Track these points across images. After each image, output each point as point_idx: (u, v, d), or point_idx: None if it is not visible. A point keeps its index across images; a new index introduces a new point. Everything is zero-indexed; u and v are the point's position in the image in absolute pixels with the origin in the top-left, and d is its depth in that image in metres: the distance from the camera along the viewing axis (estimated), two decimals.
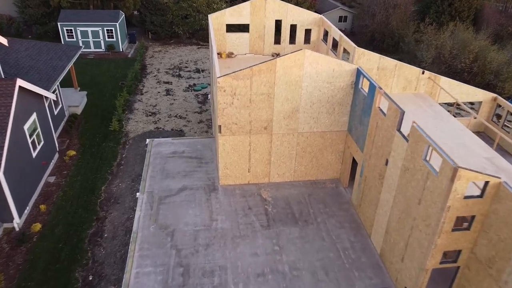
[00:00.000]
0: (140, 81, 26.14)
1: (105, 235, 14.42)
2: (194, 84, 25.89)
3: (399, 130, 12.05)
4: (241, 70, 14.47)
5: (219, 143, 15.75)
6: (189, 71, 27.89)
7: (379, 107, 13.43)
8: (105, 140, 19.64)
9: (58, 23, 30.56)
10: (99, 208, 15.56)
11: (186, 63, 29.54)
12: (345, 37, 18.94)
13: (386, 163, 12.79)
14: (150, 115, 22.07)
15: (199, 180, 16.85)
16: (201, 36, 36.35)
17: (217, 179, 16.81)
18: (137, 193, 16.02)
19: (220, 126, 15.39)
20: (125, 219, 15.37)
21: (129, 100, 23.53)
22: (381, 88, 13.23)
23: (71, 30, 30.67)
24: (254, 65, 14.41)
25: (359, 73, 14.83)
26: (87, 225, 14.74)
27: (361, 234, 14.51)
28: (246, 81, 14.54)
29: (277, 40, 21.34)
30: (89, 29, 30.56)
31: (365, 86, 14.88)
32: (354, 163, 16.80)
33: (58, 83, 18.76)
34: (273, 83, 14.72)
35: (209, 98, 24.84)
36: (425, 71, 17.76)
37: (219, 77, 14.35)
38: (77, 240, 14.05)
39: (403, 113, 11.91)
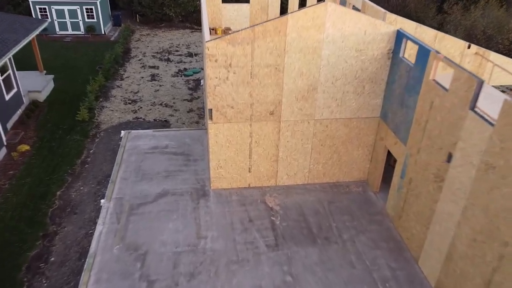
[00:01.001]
0: (121, 66, 22.25)
1: (52, 259, 10.56)
2: (185, 69, 22.00)
3: (473, 109, 8.12)
4: (238, 31, 10.54)
5: (210, 134, 11.82)
6: (180, 55, 24.01)
7: (434, 80, 9.49)
8: (70, 133, 15.75)
9: (30, 1, 26.70)
10: (49, 220, 11.72)
11: (177, 46, 25.62)
12: (369, 2, 15.03)
13: (449, 160, 8.85)
14: (129, 103, 18.17)
15: (185, 183, 12.93)
16: (195, 20, 32.47)
17: (208, 181, 12.89)
18: (102, 200, 12.11)
19: (210, 111, 11.46)
20: (82, 235, 11.53)
21: (106, 86, 19.63)
22: (438, 52, 9.29)
23: (45, 9, 26.80)
24: (257, 25, 10.48)
25: (400, 37, 10.88)
26: (29, 245, 10.90)
27: (404, 258, 10.57)
28: (245, 48, 10.60)
29: (284, 12, 17.44)
30: (66, 8, 26.67)
31: (409, 54, 10.93)
32: (388, 160, 12.86)
33: (6, 60, 14.89)
34: (283, 51, 10.79)
35: (201, 84, 21.02)
36: (472, 44, 13.81)
37: (208, 41, 10.42)
38: (11, 266, 10.21)
39: (481, 83, 7.96)
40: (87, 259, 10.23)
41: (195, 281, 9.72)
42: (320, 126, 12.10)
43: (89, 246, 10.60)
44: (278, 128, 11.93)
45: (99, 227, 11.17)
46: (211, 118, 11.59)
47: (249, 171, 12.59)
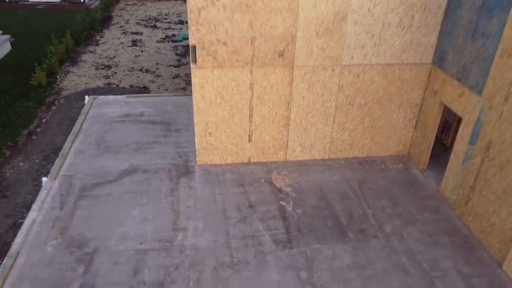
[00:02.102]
0: (99, 32, 18.85)
1: None
2: (173, 35, 18.60)
3: None
4: None
5: (194, 84, 8.40)
6: (169, 22, 20.63)
7: None
8: (21, 99, 12.34)
9: None
10: None
11: (166, 15, 22.22)
12: None
13: None
14: (102, 68, 14.77)
15: (162, 158, 9.52)
16: None
17: (193, 155, 9.48)
18: (44, 179, 8.70)
19: (194, 49, 8.06)
20: (9, 226, 8.16)
21: (76, 51, 16.25)
22: None
23: None
24: None
25: None
26: None
27: (479, 260, 7.13)
28: None
29: None
30: None
31: None
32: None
33: None
34: None
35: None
36: None
37: None
38: None
39: None
40: (4, 261, 6.80)
41: None
42: (349, 75, 8.68)
43: (13, 241, 7.19)
44: (290, 77, 8.51)
45: (32, 215, 7.74)
46: (194, 60, 8.18)
47: (249, 140, 9.16)
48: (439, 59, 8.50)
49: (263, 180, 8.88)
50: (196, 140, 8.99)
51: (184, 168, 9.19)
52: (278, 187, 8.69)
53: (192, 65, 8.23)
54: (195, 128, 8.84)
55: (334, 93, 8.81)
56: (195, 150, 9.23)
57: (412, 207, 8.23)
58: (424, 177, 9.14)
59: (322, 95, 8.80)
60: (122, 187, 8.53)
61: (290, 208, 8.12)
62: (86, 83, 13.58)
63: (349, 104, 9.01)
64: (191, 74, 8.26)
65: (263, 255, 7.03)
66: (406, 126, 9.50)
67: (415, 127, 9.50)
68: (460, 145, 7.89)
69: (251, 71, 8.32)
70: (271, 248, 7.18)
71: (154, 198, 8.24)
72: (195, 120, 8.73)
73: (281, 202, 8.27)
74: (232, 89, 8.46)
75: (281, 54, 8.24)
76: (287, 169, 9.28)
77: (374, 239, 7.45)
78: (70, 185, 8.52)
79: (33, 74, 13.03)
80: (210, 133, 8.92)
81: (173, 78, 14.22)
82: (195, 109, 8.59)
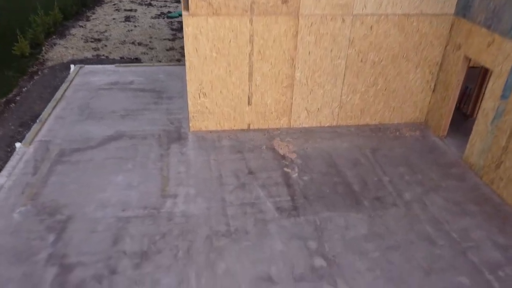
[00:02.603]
0: (90, 8, 17.88)
1: None
2: (169, 12, 17.63)
3: None
4: None
5: (186, 35, 7.41)
6: (165, 0, 19.63)
7: None
8: (1, 69, 11.35)
9: None
10: None
11: None
12: None
13: None
14: (91, 41, 13.78)
15: (152, 124, 8.54)
16: None
17: (187, 122, 8.50)
18: (17, 144, 7.72)
19: None
20: None
21: (65, 25, 15.28)
22: None
23: None
24: None
25: None
26: None
27: None
28: None
29: None
30: None
31: None
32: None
33: None
34: None
35: None
36: None
37: None
38: None
39: None
40: None
41: (148, 266, 5.31)
42: (361, 27, 7.69)
43: None
44: (295, 28, 7.53)
45: (0, 180, 6.77)
46: (187, 6, 7.19)
47: (248, 103, 8.18)
48: (463, 8, 7.51)
49: (264, 147, 7.90)
50: (189, 102, 8.01)
51: (176, 135, 8.21)
52: (281, 154, 7.71)
53: (184, 13, 7.25)
54: (187, 88, 7.86)
55: (344, 48, 7.83)
56: (188, 117, 8.25)
57: (434, 175, 7.25)
58: (444, 144, 8.16)
59: (331, 50, 7.82)
60: (106, 152, 7.55)
61: (295, 175, 7.13)
62: (73, 55, 12.60)
63: (361, 61, 8.02)
64: (183, 23, 7.28)
65: (264, 224, 6.05)
66: (424, 89, 8.51)
67: (434, 90, 8.52)
68: (489, 102, 6.91)
69: (250, 20, 7.34)
70: (274, 216, 6.20)
71: (141, 164, 7.26)
72: (188, 78, 7.75)
73: (285, 169, 7.28)
74: (230, 41, 7.48)
75: (284, 1, 7.26)
76: (291, 136, 8.30)
77: (393, 207, 6.46)
78: (46, 150, 7.54)
79: (15, 44, 12.06)
80: (205, 93, 7.93)
81: (167, 50, 13.24)
82: (187, 64, 7.60)
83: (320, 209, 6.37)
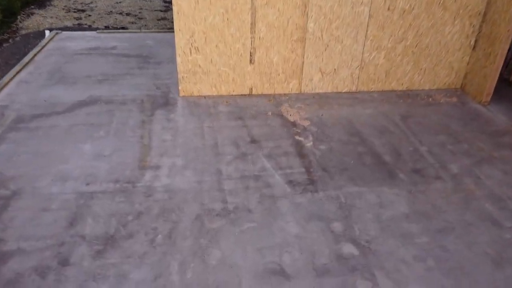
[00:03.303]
0: None
1: None
2: None
3: None
4: None
5: None
6: None
7: None
8: None
9: None
10: None
11: None
12: None
13: None
14: (74, 12, 12.32)
15: (134, 89, 7.10)
16: None
17: (176, 86, 7.05)
18: None
19: None
20: None
21: None
22: None
23: None
24: None
25: None
26: None
27: None
28: None
29: None
30: None
31: None
32: None
33: None
34: None
35: None
36: None
37: None
38: None
39: None
40: None
41: (114, 254, 3.87)
42: None
43: None
44: None
45: None
46: None
47: (250, 61, 6.73)
48: None
49: (270, 113, 6.45)
50: (178, 60, 6.56)
51: (162, 100, 6.76)
52: (291, 121, 6.26)
53: None
54: (175, 40, 6.41)
55: None
56: (178, 79, 6.80)
57: (483, 144, 5.80)
58: (489, 112, 6.71)
59: None
60: (74, 118, 6.10)
61: (309, 144, 5.68)
62: (52, 24, 11.15)
63: (388, 9, 6.57)
64: None
65: (273, 201, 4.61)
66: (462, 45, 7.06)
67: (474, 47, 7.06)
68: None
69: None
70: (285, 191, 4.76)
71: (117, 131, 5.81)
72: (176, 27, 6.30)
73: (297, 137, 5.84)
74: None
75: None
76: (303, 102, 6.85)
77: (438, 181, 5.01)
78: (1, 116, 6.10)
79: None
80: (197, 48, 6.48)
81: (158, 20, 11.81)
82: (175, 9, 6.16)
83: (344, 183, 4.92)
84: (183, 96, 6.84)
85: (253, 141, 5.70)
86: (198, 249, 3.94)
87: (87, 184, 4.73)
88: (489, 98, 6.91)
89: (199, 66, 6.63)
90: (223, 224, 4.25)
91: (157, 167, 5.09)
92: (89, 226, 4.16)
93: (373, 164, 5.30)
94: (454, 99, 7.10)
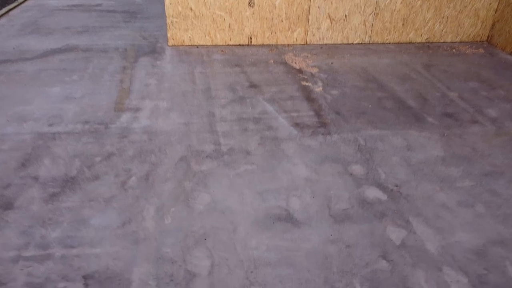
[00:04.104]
0: None
1: None
2: None
3: None
4: None
5: None
6: None
7: None
8: None
9: None
10: None
11: None
12: None
13: None
14: None
15: (118, 39, 6.23)
16: None
17: (165, 38, 6.20)
18: None
19: None
20: None
21: None
22: None
23: None
24: None
25: None
26: None
27: None
28: None
29: None
30: None
31: None
32: None
33: None
34: None
35: None
36: None
37: None
38: None
39: None
40: None
41: (72, 198, 3.03)
42: None
43: None
44: None
45: None
46: None
47: (249, 5, 5.86)
48: None
49: (272, 61, 5.60)
50: (166, 2, 5.71)
51: (148, 49, 5.91)
52: (297, 68, 5.41)
53: None
54: None
55: None
56: (166, 24, 5.94)
57: None
58: None
59: None
60: (44, 64, 5.24)
61: (318, 89, 4.83)
62: None
63: None
64: None
65: (277, 143, 3.75)
66: None
67: None
68: None
69: None
70: (291, 133, 3.90)
71: (92, 76, 4.96)
72: None
73: (304, 83, 4.98)
74: None
75: None
76: (309, 51, 5.99)
77: (475, 125, 4.16)
78: None
79: None
80: None
81: None
82: None
83: (363, 126, 4.07)
84: (173, 46, 5.99)
85: (253, 85, 4.84)
86: (182, 193, 3.08)
87: (50, 125, 3.87)
88: None
89: (191, 9, 5.78)
90: (214, 166, 3.39)
91: (137, 109, 4.23)
92: (45, 167, 3.30)
93: (396, 108, 4.44)
94: (481, 50, 6.24)
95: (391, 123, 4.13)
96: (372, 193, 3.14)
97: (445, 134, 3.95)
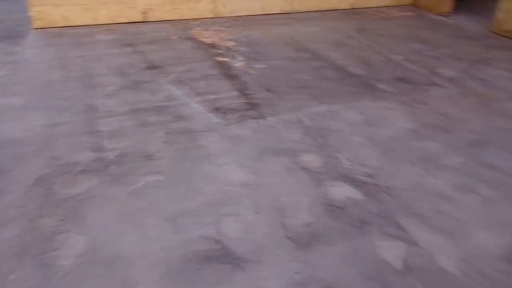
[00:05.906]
0: None
1: None
2: None
3: None
4: None
5: None
6: None
7: None
8: None
9: None
10: None
11: None
12: None
13: None
14: None
15: None
16: None
17: (29, 20, 4.68)
18: None
19: None
20: None
21: None
22: None
23: None
24: None
25: None
26: None
27: None
28: None
29: None
30: None
31: None
32: None
33: None
34: None
35: None
36: None
37: None
38: None
39: None
40: None
41: None
42: None
43: None
44: None
45: None
46: None
47: None
48: None
49: (175, 37, 4.39)
50: None
51: (5, 33, 4.34)
52: (209, 43, 4.27)
53: None
54: None
55: None
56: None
57: (468, 48, 4.35)
58: (453, 21, 5.36)
59: None
60: None
61: (239, 64, 3.74)
62: None
63: None
64: None
65: (191, 137, 2.56)
66: None
67: None
68: None
69: None
70: (209, 122, 2.75)
71: None
72: None
73: (219, 58, 3.86)
74: None
75: None
76: (222, 24, 4.88)
77: (435, 87, 3.38)
78: None
79: None
80: None
81: None
82: None
83: (304, 102, 3.06)
84: (41, 28, 4.48)
85: (152, 67, 3.59)
86: (33, 242, 1.77)
87: None
88: (450, 10, 5.58)
89: None
90: (95, 185, 2.12)
91: None
92: None
93: (340, 77, 3.52)
94: (410, 13, 5.66)
95: (338, 95, 3.18)
96: (340, 191, 2.13)
97: (404, 102, 3.10)
